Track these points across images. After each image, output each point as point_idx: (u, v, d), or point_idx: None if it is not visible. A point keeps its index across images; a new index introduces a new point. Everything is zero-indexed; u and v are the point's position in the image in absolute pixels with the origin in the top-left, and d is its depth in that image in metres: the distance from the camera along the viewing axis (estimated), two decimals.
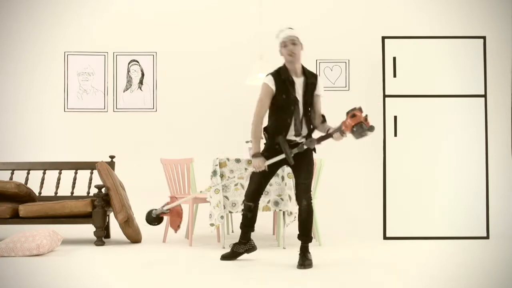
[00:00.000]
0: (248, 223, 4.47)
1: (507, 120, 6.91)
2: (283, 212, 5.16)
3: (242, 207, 4.49)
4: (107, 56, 7.05)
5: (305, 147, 4.23)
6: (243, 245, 4.51)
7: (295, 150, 4.21)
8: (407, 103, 5.79)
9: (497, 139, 6.77)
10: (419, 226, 5.70)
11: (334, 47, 7.05)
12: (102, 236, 5.38)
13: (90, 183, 6.04)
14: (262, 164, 4.24)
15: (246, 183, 5.14)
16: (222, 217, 5.01)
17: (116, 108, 7.04)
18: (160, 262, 4.42)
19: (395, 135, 5.78)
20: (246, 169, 5.15)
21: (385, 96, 5.81)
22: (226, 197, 5.09)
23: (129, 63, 7.07)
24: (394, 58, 5.81)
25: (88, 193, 5.99)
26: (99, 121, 7.02)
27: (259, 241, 5.61)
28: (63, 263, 4.45)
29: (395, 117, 5.79)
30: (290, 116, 4.25)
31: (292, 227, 5.92)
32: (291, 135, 4.29)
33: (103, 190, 5.40)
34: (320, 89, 4.41)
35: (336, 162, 6.71)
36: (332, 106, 6.91)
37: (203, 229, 5.97)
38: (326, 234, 5.77)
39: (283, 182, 5.13)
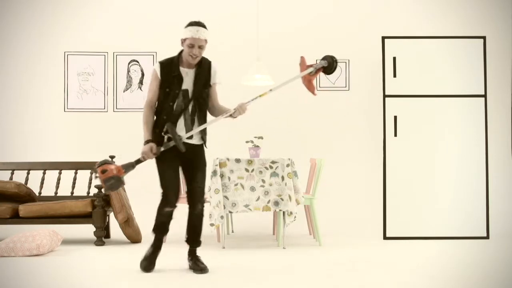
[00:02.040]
0: (167, 228, 4.08)
1: (507, 120, 6.90)
2: (283, 212, 5.16)
3: (161, 216, 3.98)
4: (107, 56, 7.05)
5: (183, 140, 3.93)
6: (159, 249, 4.13)
7: (171, 144, 3.88)
8: (407, 103, 5.79)
9: (497, 139, 6.77)
10: (419, 226, 5.70)
11: (334, 47, 7.03)
12: (102, 236, 5.38)
13: (90, 183, 6.04)
14: (149, 151, 3.93)
15: (246, 183, 5.14)
16: (222, 217, 5.00)
17: (116, 108, 7.04)
18: (160, 262, 4.42)
19: (395, 135, 5.78)
20: (246, 169, 5.15)
21: (385, 96, 5.81)
22: (226, 197, 5.09)
23: (129, 63, 7.06)
24: (394, 58, 5.81)
25: (88, 193, 5.99)
26: (99, 121, 7.01)
27: (259, 241, 5.61)
28: (63, 263, 4.45)
29: (395, 117, 5.79)
30: (173, 113, 3.95)
31: (292, 227, 5.94)
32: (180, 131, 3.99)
33: (103, 190, 5.40)
34: (215, 77, 4.08)
35: (336, 162, 6.72)
36: (332, 106, 6.98)
37: (203, 229, 5.94)
38: (326, 234, 5.77)
39: (283, 182, 5.13)
